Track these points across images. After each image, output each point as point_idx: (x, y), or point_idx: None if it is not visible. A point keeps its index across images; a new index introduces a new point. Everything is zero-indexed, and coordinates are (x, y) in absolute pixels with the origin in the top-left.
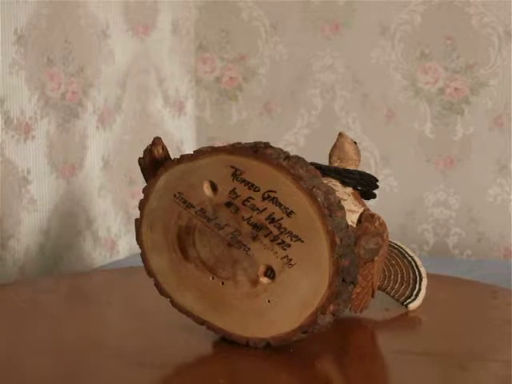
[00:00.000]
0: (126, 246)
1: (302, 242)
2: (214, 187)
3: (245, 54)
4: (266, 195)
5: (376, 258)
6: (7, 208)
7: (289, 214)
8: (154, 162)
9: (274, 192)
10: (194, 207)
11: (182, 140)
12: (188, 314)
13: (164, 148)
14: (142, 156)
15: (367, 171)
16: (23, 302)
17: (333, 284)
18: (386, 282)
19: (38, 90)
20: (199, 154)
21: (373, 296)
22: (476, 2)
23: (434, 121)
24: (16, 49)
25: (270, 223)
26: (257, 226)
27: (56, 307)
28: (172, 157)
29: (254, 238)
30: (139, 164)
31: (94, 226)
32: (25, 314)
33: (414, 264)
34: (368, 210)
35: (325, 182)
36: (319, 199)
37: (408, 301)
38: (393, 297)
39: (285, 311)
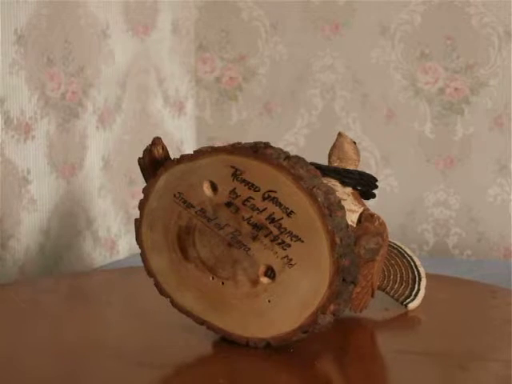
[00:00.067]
0: (126, 246)
1: (302, 241)
2: (214, 187)
3: (245, 54)
4: (266, 195)
5: (376, 258)
6: (7, 208)
7: (289, 213)
8: (154, 162)
9: (274, 192)
10: (194, 207)
11: (182, 140)
12: (188, 314)
13: (164, 148)
14: (141, 156)
15: (367, 171)
16: (23, 302)
17: (333, 284)
18: (385, 281)
19: (38, 90)
20: (199, 153)
21: (372, 296)
22: (476, 1)
23: (434, 121)
24: (16, 49)
25: (270, 223)
26: (257, 226)
27: (56, 307)
28: (172, 157)
29: (254, 238)
30: (139, 164)
31: (94, 226)
32: (25, 314)
33: (413, 264)
34: (368, 209)
35: (324, 182)
36: (319, 199)
37: (407, 301)
38: (392, 297)
39: (285, 311)
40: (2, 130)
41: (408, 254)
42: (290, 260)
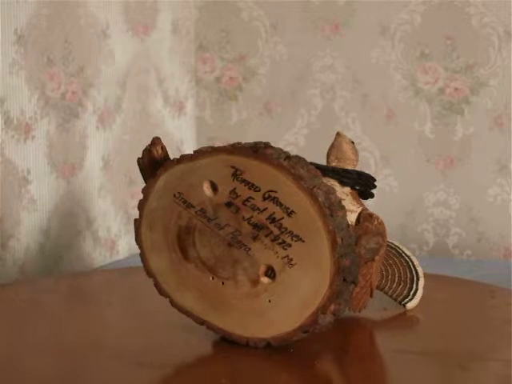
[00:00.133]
0: (126, 246)
1: (303, 241)
2: (214, 187)
3: (245, 54)
4: (266, 195)
5: (377, 258)
6: (7, 208)
7: (289, 213)
8: (153, 162)
9: (275, 192)
10: (194, 207)
11: (182, 140)
12: (188, 314)
13: (163, 148)
14: (140, 156)
15: (367, 171)
16: (23, 302)
17: (334, 283)
18: (383, 281)
19: (38, 90)
20: (199, 154)
21: (371, 295)
22: (476, 1)
23: (434, 121)
24: (16, 49)
25: (270, 223)
26: (257, 226)
27: (56, 307)
28: (172, 157)
29: (255, 238)
30: (138, 164)
31: (94, 226)
32: (25, 314)
33: (411, 264)
34: (366, 209)
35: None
36: (320, 199)
37: (406, 300)
38: (391, 296)
39: (285, 311)
40: (2, 130)
41: (406, 254)
42: (291, 260)
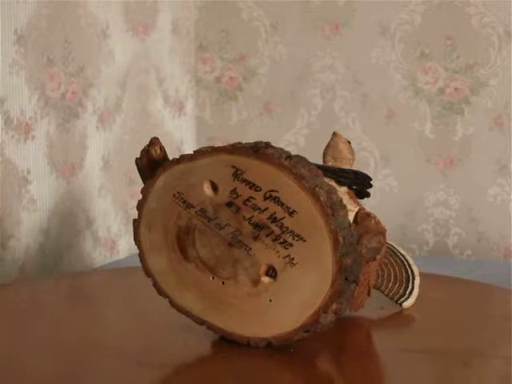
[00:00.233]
0: (126, 246)
1: (305, 241)
2: (214, 187)
3: (245, 54)
4: (267, 195)
5: (378, 257)
6: (7, 208)
7: (291, 213)
8: (152, 162)
9: (276, 191)
10: (193, 207)
11: (182, 140)
12: (187, 314)
13: (162, 148)
14: (139, 156)
15: (367, 171)
16: (23, 302)
17: (336, 282)
18: (379, 280)
19: (38, 90)
20: (199, 154)
21: (369, 295)
22: (476, 1)
23: (434, 121)
24: (16, 49)
25: (271, 223)
26: (258, 226)
27: (56, 307)
28: (172, 157)
29: (256, 238)
30: (136, 164)
31: (94, 225)
32: (25, 314)
33: (406, 263)
34: (363, 209)
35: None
36: (322, 198)
37: (402, 299)
38: (387, 295)
39: (286, 310)
40: (2, 130)
41: (401, 253)
42: (292, 259)
